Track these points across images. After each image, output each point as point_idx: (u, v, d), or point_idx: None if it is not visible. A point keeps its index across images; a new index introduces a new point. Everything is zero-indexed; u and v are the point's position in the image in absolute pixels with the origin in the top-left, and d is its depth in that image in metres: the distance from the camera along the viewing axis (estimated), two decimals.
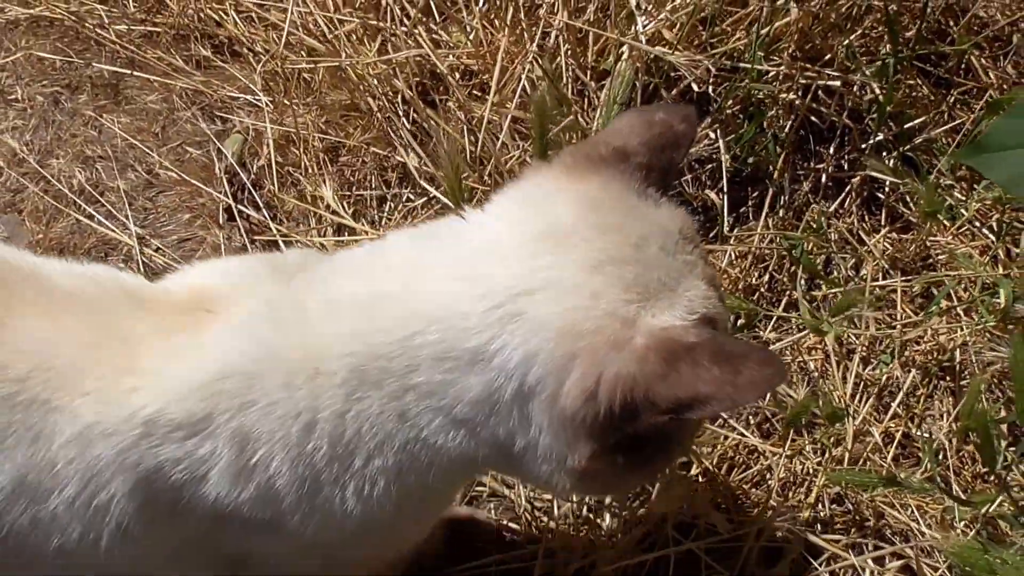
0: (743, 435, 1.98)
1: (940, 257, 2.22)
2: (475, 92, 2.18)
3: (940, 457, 1.96)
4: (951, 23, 2.42)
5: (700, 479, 1.93)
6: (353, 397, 1.19)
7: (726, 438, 1.98)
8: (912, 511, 1.89)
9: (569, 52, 2.16)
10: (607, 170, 1.24)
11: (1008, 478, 1.91)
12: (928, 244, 2.24)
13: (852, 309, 1.89)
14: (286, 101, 2.39)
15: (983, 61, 2.43)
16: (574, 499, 1.85)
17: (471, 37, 2.22)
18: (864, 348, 2.09)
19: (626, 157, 1.25)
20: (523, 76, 2.00)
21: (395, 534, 1.39)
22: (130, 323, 1.28)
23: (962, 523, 1.83)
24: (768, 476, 1.92)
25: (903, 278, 2.18)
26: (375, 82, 2.28)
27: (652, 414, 1.11)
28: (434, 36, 2.26)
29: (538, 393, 1.14)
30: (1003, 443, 1.92)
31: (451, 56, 2.23)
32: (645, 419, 1.11)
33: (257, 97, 2.46)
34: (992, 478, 1.82)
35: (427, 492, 1.28)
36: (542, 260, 1.15)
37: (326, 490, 1.23)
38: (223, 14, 2.60)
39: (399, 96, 2.24)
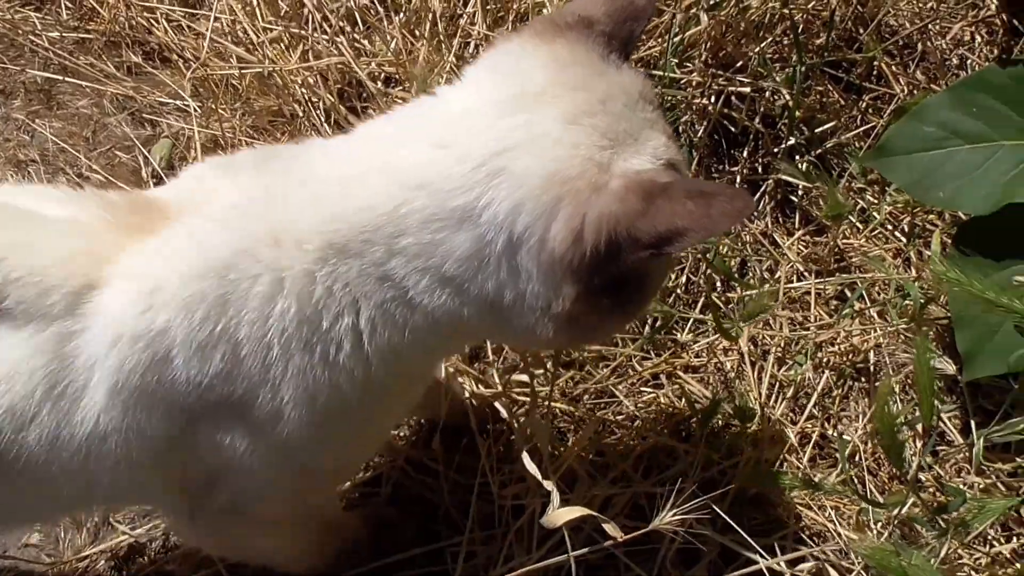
0: (659, 436, 1.85)
1: (854, 259, 2.10)
2: (397, 99, 2.02)
3: (856, 458, 1.83)
4: (861, 30, 2.31)
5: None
6: (329, 263, 1.17)
7: (644, 439, 1.85)
8: (829, 513, 1.77)
9: None
10: (573, 35, 1.22)
11: (924, 479, 1.80)
12: (842, 246, 2.12)
13: (762, 313, 1.76)
14: (214, 106, 2.23)
15: (893, 68, 2.32)
16: (553, 352, 1.75)
17: (392, 46, 2.06)
18: (779, 350, 1.97)
19: (591, 24, 1.23)
20: (442, 84, 1.85)
21: (361, 425, 1.35)
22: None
23: (878, 524, 1.72)
24: (684, 478, 1.79)
25: (817, 280, 2.05)
26: (301, 89, 2.13)
27: (634, 250, 1.11)
28: (356, 45, 2.10)
29: (526, 240, 1.13)
30: (918, 443, 1.81)
31: (372, 64, 2.07)
32: (627, 256, 1.12)
33: (186, 102, 2.30)
34: (909, 479, 1.70)
35: (397, 361, 1.24)
36: (519, 118, 1.14)
37: (296, 358, 1.19)
38: (153, 21, 2.45)
39: (321, 102, 2.08)
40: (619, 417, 1.89)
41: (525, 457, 1.52)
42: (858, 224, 2.15)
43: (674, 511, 1.36)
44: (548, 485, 1.43)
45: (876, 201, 2.16)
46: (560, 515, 1.40)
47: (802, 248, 2.12)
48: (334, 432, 1.30)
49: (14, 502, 1.34)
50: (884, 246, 2.12)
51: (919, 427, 1.83)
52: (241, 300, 1.18)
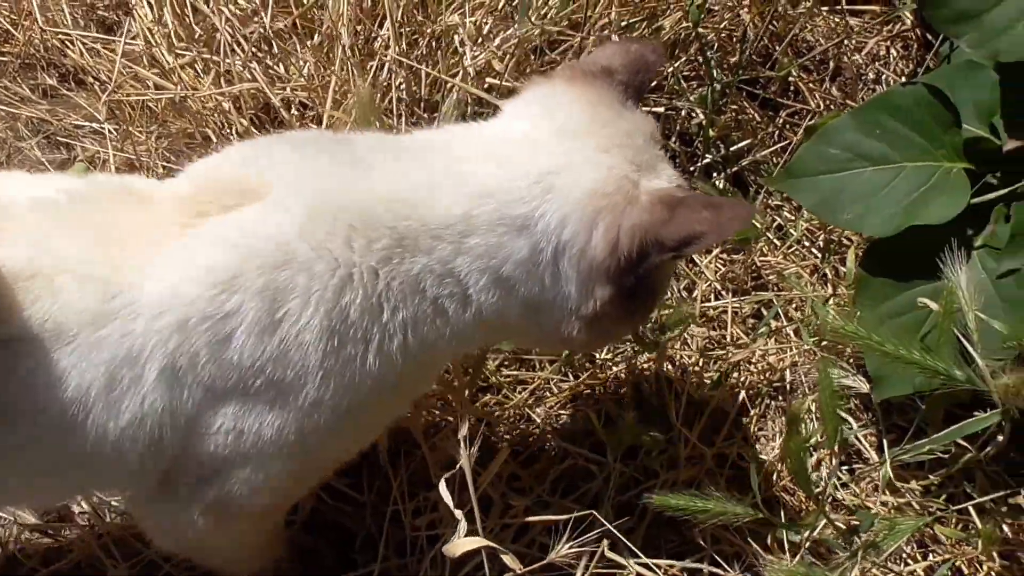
0: (579, 453, 1.83)
1: (771, 277, 2.09)
2: (311, 124, 1.98)
3: (772, 479, 1.82)
4: (776, 47, 2.31)
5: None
6: (395, 259, 1.28)
7: (562, 460, 1.82)
8: (746, 535, 1.75)
9: (402, 85, 1.97)
10: (598, 82, 1.43)
11: (842, 497, 1.79)
12: (759, 264, 2.10)
13: (682, 324, 1.75)
14: (130, 129, 2.17)
15: (810, 84, 2.32)
16: (568, 354, 1.89)
17: (304, 71, 2.02)
18: (696, 369, 1.95)
19: (611, 74, 1.44)
20: (354, 109, 1.81)
21: (385, 414, 1.46)
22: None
23: (794, 546, 1.70)
24: (601, 500, 1.76)
25: (734, 299, 2.04)
26: (215, 114, 2.08)
27: (660, 253, 1.31)
28: (269, 71, 2.05)
29: (569, 248, 1.31)
30: (834, 461, 1.79)
31: (287, 89, 2.03)
32: (653, 259, 1.32)
33: (102, 125, 2.24)
34: (821, 500, 1.69)
35: (434, 353, 1.36)
36: (565, 145, 1.34)
37: (350, 347, 1.28)
38: (68, 44, 2.37)
39: (234, 128, 2.04)
40: (537, 439, 1.86)
41: (442, 485, 1.50)
42: (775, 241, 2.14)
43: (570, 543, 1.39)
44: (458, 514, 1.41)
45: (793, 218, 2.16)
46: (459, 545, 1.42)
47: (719, 266, 2.10)
48: (362, 420, 1.40)
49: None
50: (801, 263, 2.12)
51: (836, 447, 1.82)
52: (312, 291, 1.25)
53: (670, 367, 1.95)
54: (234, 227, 1.27)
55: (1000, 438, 1.60)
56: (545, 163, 1.32)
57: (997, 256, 1.60)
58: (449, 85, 1.98)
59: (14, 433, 1.24)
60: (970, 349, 1.45)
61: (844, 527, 1.58)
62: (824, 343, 1.91)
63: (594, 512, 1.58)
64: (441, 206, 1.30)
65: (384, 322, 1.29)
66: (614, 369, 1.94)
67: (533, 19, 1.97)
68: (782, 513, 1.77)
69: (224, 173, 1.38)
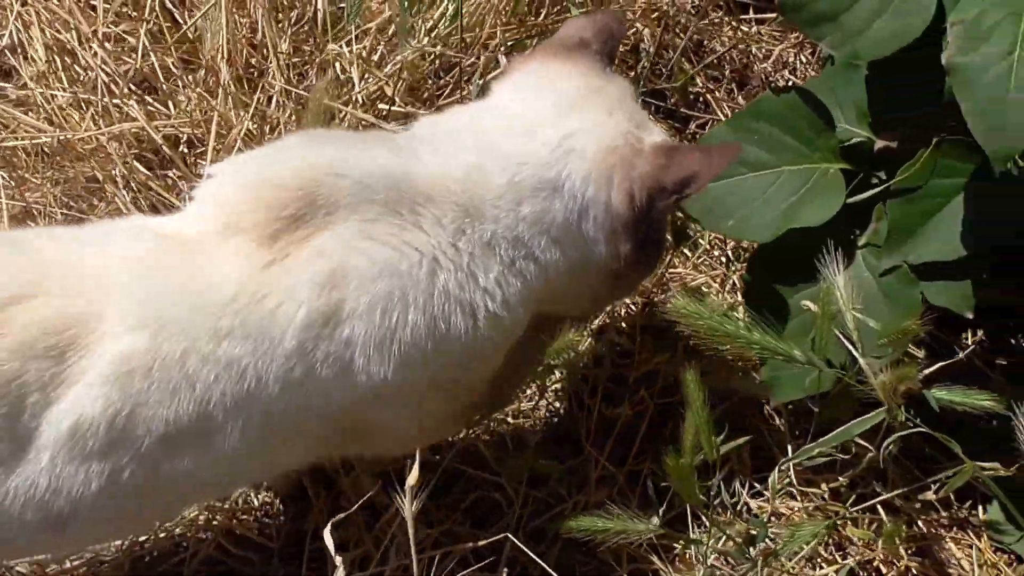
0: (491, 481, 1.82)
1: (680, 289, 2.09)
2: (201, 160, 1.98)
3: None
4: (684, 58, 2.33)
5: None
6: (467, 232, 1.39)
7: (474, 490, 1.82)
8: (660, 552, 1.75)
9: (292, 117, 1.98)
10: (579, 53, 1.55)
11: (756, 507, 1.79)
12: (669, 276, 2.10)
13: (566, 352, 1.75)
14: (26, 175, 2.15)
15: (718, 94, 2.34)
16: (597, 315, 1.98)
17: (188, 107, 2.02)
18: (605, 386, 1.94)
19: (587, 45, 1.57)
20: (238, 142, 1.81)
21: (487, 361, 1.53)
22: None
23: (707, 560, 1.69)
24: (509, 526, 1.76)
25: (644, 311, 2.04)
26: (112, 154, 2.06)
27: (663, 197, 1.45)
28: (151, 108, 2.05)
29: (595, 206, 1.44)
30: (719, 473, 1.79)
31: (169, 126, 2.02)
32: (659, 205, 1.45)
33: None
34: (711, 511, 1.70)
35: (521, 310, 1.46)
36: (573, 113, 1.46)
37: (458, 319, 1.38)
38: None
39: (118, 169, 2.02)
40: (448, 469, 1.86)
41: (327, 532, 1.49)
42: (686, 251, 2.14)
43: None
44: (337, 560, 1.40)
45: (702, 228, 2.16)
46: None
47: None
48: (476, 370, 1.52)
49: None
50: (710, 272, 2.12)
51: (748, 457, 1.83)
52: (407, 292, 1.35)
53: (583, 383, 1.95)
54: (318, 252, 1.32)
55: (894, 436, 1.61)
56: (560, 129, 1.44)
57: (878, 254, 1.61)
58: (342, 113, 1.99)
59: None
60: (851, 349, 1.46)
61: (742, 537, 1.58)
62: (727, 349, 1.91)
63: (508, 535, 1.58)
64: (490, 177, 1.41)
65: (482, 286, 1.40)
66: (528, 391, 1.94)
67: (414, 43, 1.99)
68: (691, 527, 1.77)
69: (275, 187, 1.37)
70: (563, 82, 1.51)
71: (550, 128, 1.45)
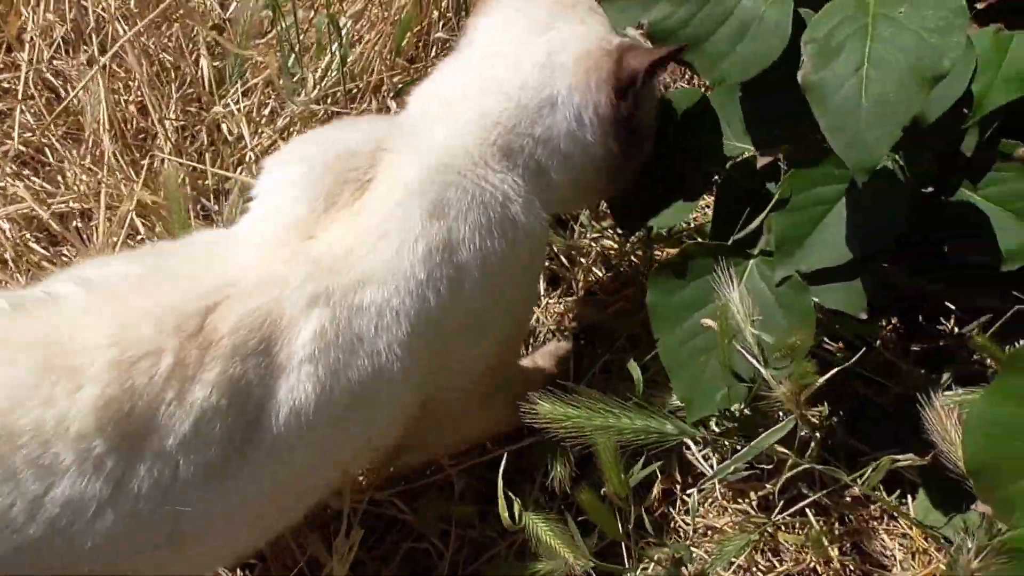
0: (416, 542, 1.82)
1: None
2: (94, 234, 1.96)
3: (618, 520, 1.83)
4: None
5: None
6: (513, 145, 1.58)
7: (408, 538, 1.82)
8: None
9: (185, 180, 1.97)
10: None
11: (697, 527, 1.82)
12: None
13: None
14: None
15: None
16: (603, 204, 2.09)
17: (75, 182, 2.01)
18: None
19: None
20: (130, 212, 1.81)
21: (529, 296, 1.81)
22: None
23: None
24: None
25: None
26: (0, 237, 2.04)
27: (632, 87, 1.59)
28: (36, 187, 2.03)
29: (584, 111, 1.58)
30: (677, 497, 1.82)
31: (58, 203, 2.00)
32: (630, 95, 1.59)
33: None
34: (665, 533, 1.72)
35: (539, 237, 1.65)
36: (548, 32, 1.60)
37: (519, 241, 1.55)
38: None
39: (10, 250, 2.00)
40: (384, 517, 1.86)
41: None
42: (598, 271, 2.16)
43: None
44: None
45: (617, 246, 2.17)
46: None
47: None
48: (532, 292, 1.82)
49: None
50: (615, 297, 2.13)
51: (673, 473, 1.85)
52: (466, 203, 1.50)
53: None
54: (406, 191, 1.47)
55: (818, 435, 1.66)
56: (543, 49, 1.58)
57: (772, 264, 1.64)
58: (239, 171, 1.99)
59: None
60: (752, 361, 1.49)
61: (669, 561, 1.60)
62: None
63: None
64: (504, 101, 1.57)
65: (535, 210, 1.58)
66: None
67: (302, 98, 2.00)
68: (625, 555, 1.78)
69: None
70: (533, 5, 1.65)
71: (534, 49, 1.59)
